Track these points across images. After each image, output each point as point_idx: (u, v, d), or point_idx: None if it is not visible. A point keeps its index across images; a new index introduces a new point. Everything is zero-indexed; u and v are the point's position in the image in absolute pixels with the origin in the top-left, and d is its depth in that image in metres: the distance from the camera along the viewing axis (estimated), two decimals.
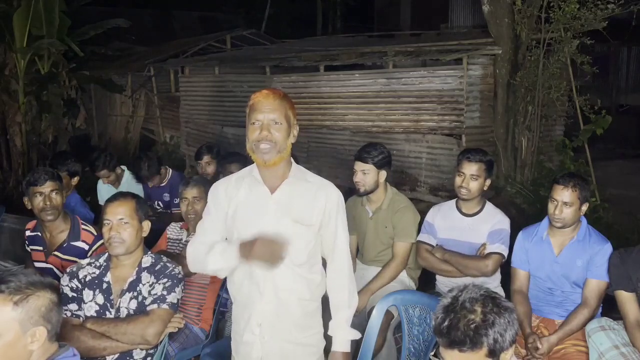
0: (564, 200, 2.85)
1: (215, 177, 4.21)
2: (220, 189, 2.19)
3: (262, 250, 1.97)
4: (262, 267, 2.04)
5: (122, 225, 2.46)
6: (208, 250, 2.10)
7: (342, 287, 2.24)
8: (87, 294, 2.48)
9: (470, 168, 3.15)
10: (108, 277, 2.51)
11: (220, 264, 2.08)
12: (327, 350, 2.28)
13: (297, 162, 2.28)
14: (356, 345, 2.85)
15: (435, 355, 1.70)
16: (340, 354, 2.21)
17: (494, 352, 1.61)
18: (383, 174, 3.30)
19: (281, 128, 2.06)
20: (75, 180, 4.23)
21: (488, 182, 3.21)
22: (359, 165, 3.29)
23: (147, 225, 2.57)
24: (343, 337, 2.22)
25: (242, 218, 2.12)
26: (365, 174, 3.28)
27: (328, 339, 2.28)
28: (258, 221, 2.09)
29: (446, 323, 1.62)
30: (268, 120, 2.05)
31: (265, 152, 2.05)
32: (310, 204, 2.13)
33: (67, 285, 2.48)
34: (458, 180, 3.20)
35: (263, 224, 2.08)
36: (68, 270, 2.56)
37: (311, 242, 2.15)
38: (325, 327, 2.27)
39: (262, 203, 2.11)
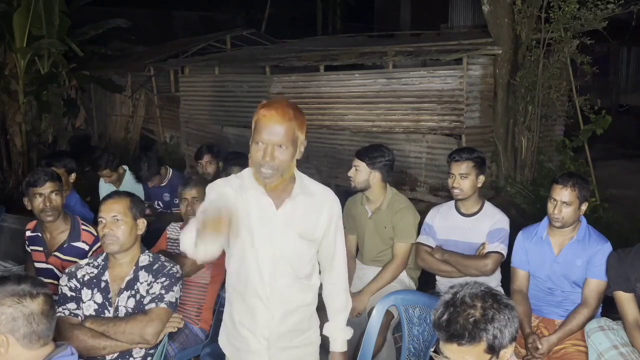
0: (563, 199, 2.85)
1: (216, 177, 4.21)
2: (228, 187, 2.09)
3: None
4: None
5: (116, 222, 2.46)
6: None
7: (340, 293, 2.28)
8: (86, 293, 2.49)
9: (458, 168, 3.18)
10: (106, 276, 2.51)
11: (192, 238, 1.87)
12: (321, 346, 2.32)
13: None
14: (356, 345, 2.86)
15: (435, 352, 1.70)
16: (339, 354, 2.27)
17: (493, 348, 1.62)
18: (376, 175, 3.31)
19: (286, 152, 1.96)
20: (73, 177, 4.19)
21: (482, 178, 3.21)
22: (354, 161, 3.37)
23: (142, 223, 2.56)
24: (341, 338, 2.28)
25: (246, 229, 2.06)
26: (358, 171, 3.32)
27: (323, 338, 2.32)
28: (263, 235, 2.07)
29: (445, 317, 1.64)
30: (272, 144, 1.93)
31: (267, 177, 1.99)
32: (314, 218, 2.13)
33: (66, 285, 2.48)
34: (450, 181, 3.23)
35: (268, 238, 2.07)
36: (67, 270, 2.56)
37: (314, 255, 2.18)
38: (320, 327, 2.30)
39: (267, 217, 2.07)
